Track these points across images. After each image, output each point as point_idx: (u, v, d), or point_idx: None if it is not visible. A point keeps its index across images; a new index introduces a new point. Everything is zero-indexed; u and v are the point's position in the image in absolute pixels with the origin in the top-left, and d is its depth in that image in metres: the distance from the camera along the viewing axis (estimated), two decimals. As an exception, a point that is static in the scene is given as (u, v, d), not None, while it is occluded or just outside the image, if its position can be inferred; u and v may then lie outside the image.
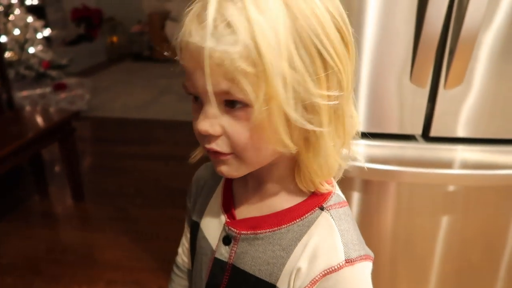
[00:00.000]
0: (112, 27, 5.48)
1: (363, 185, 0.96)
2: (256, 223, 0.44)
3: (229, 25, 0.33)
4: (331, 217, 0.42)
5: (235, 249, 0.46)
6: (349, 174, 0.96)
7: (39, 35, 3.17)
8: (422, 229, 1.00)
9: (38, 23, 3.18)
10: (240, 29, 0.33)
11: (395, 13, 0.82)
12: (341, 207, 0.44)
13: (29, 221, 1.89)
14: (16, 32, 3.00)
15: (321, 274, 0.40)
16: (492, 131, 0.90)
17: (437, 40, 0.78)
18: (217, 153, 0.39)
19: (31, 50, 3.04)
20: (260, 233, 0.44)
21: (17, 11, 3.01)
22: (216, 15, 0.34)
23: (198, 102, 0.39)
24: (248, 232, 0.44)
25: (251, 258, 0.44)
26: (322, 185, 0.43)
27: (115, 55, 5.31)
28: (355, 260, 0.40)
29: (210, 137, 0.38)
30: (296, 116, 0.35)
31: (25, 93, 2.90)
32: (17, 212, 1.93)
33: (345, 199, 0.46)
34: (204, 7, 0.34)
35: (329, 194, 0.44)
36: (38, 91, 2.97)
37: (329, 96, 0.36)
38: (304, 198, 0.44)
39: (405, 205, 0.98)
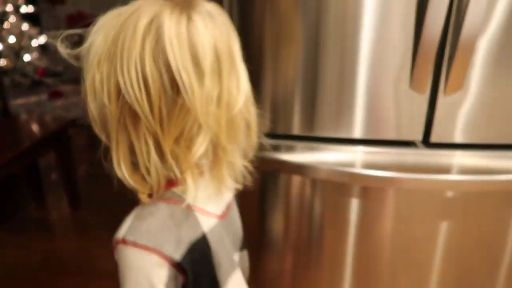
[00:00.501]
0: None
1: (362, 192, 0.96)
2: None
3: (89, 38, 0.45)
4: (142, 205, 0.47)
5: None
6: (347, 180, 0.96)
7: (34, 42, 3.17)
8: (421, 236, 0.99)
9: (33, 30, 3.18)
10: None
11: (393, 18, 0.82)
12: (170, 201, 0.47)
13: (25, 230, 1.87)
14: (11, 39, 2.99)
15: (114, 242, 0.47)
16: (490, 136, 0.90)
17: (436, 46, 0.78)
18: None
19: (27, 57, 3.03)
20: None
21: (12, 19, 3.00)
22: None
23: None
24: None
25: None
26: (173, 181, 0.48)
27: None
28: (125, 243, 0.44)
29: None
30: (94, 114, 0.46)
31: (20, 101, 2.88)
32: (13, 221, 1.91)
33: (179, 197, 0.47)
34: None
35: (173, 185, 0.47)
36: (34, 98, 2.96)
37: (117, 122, 0.45)
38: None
39: (405, 212, 0.97)
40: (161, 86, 0.41)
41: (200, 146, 0.44)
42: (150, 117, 0.41)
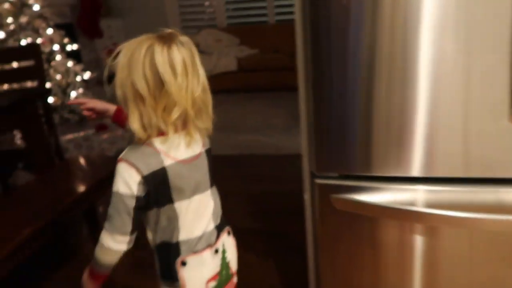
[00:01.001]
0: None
1: (428, 230, 0.92)
2: None
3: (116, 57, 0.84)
4: (135, 144, 0.83)
5: None
6: (417, 220, 0.90)
7: (78, 78, 3.24)
8: (493, 278, 0.92)
9: (78, 67, 3.25)
10: None
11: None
12: (146, 146, 0.82)
13: (82, 270, 1.84)
14: (58, 77, 3.06)
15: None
16: None
17: None
18: None
19: (73, 94, 3.09)
20: None
21: (58, 57, 3.09)
22: None
23: None
24: None
25: None
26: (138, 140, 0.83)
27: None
28: (121, 160, 0.83)
29: None
30: (120, 98, 0.83)
31: (69, 136, 2.93)
32: (70, 261, 1.89)
33: (156, 148, 0.82)
34: None
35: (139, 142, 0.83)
36: (82, 133, 3.00)
37: (134, 101, 0.82)
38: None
39: (477, 253, 0.92)
40: (154, 81, 0.78)
41: (175, 113, 0.79)
42: (149, 97, 0.78)
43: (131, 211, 0.84)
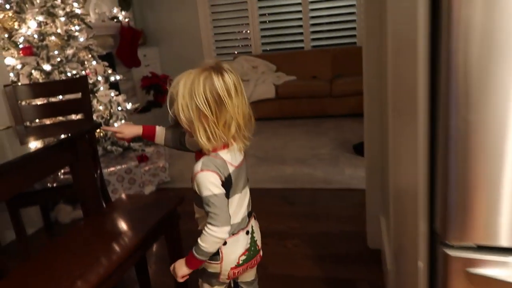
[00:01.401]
0: (178, 91, 5.55)
1: None
2: (197, 157, 1.15)
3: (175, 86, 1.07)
4: (207, 156, 1.09)
5: None
6: None
7: (119, 107, 3.18)
8: None
9: (121, 97, 3.20)
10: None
11: None
12: (215, 157, 1.08)
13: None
14: (101, 108, 3.01)
15: (193, 174, 1.08)
16: None
17: None
18: None
19: (116, 125, 3.02)
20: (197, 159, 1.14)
21: (101, 88, 3.04)
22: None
23: None
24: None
25: None
26: (215, 150, 1.09)
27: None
28: (202, 170, 1.06)
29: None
30: (184, 120, 1.06)
31: (111, 168, 2.84)
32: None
33: (223, 159, 1.09)
34: None
35: (208, 153, 1.09)
36: (124, 166, 2.91)
37: (199, 120, 1.04)
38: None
39: None
40: (214, 103, 1.02)
41: (233, 128, 1.05)
42: (211, 116, 1.02)
43: (228, 206, 1.10)
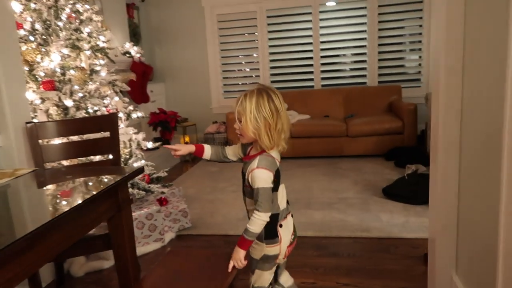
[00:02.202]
0: (185, 128, 5.39)
1: None
2: (248, 157, 1.46)
3: (241, 104, 1.39)
4: (261, 155, 1.41)
5: (243, 166, 1.49)
6: None
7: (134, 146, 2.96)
8: None
9: (141, 136, 2.99)
10: (243, 106, 1.38)
11: None
12: (267, 156, 1.40)
13: None
14: (121, 147, 2.79)
15: (253, 167, 1.39)
16: None
17: None
18: (237, 133, 1.44)
19: (136, 165, 2.80)
20: (248, 160, 1.45)
21: (121, 126, 2.84)
22: (240, 102, 1.40)
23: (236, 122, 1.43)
24: (246, 160, 1.48)
25: (245, 168, 1.45)
26: (264, 150, 1.41)
27: (189, 156, 5.13)
28: (258, 167, 1.38)
29: (235, 129, 1.44)
30: (252, 128, 1.37)
31: (133, 213, 2.58)
32: None
33: (273, 156, 1.41)
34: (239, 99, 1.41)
35: (264, 151, 1.41)
36: (145, 210, 2.66)
37: (263, 127, 1.37)
38: (259, 151, 1.43)
39: None
40: (274, 114, 1.36)
41: (285, 134, 1.41)
42: (273, 124, 1.36)
43: (271, 198, 1.39)
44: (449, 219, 1.73)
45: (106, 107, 2.72)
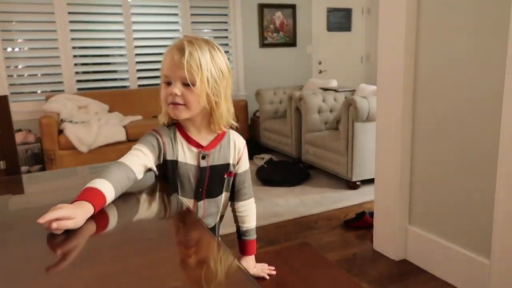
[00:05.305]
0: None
1: None
2: (212, 145, 1.11)
3: (191, 56, 0.99)
4: (232, 131, 1.16)
5: (209, 159, 1.11)
6: None
7: None
8: None
9: None
10: (194, 59, 0.99)
11: None
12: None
13: None
14: None
15: (241, 147, 1.17)
16: None
17: None
18: (176, 104, 1.02)
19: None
20: (216, 148, 1.11)
21: None
22: (187, 54, 0.98)
23: (169, 84, 1.03)
24: (212, 150, 1.11)
25: (216, 158, 1.12)
26: (223, 127, 1.11)
27: None
28: (245, 146, 1.19)
29: (174, 96, 1.01)
30: (209, 93, 1.02)
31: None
32: None
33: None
34: (180, 49, 1.00)
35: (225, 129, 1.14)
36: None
37: (223, 90, 1.05)
38: (218, 133, 1.13)
39: None
40: (230, 74, 1.09)
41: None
42: (230, 89, 1.10)
43: None
44: (403, 184, 2.13)
45: None
